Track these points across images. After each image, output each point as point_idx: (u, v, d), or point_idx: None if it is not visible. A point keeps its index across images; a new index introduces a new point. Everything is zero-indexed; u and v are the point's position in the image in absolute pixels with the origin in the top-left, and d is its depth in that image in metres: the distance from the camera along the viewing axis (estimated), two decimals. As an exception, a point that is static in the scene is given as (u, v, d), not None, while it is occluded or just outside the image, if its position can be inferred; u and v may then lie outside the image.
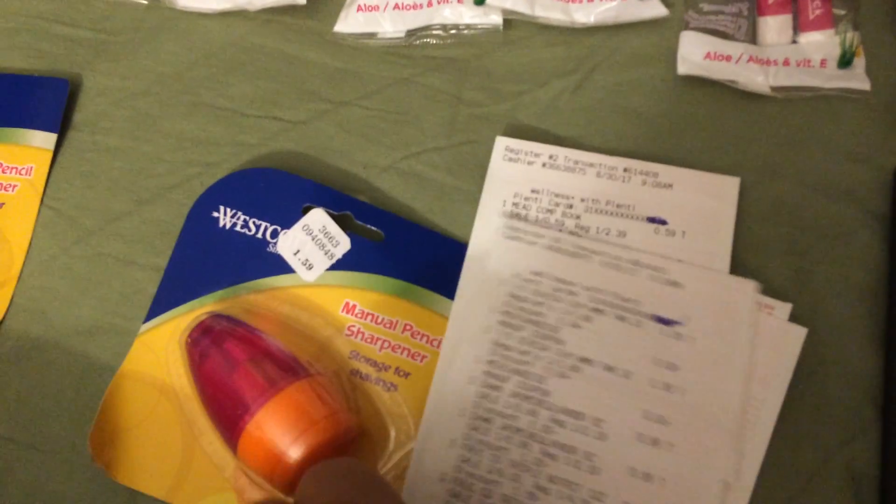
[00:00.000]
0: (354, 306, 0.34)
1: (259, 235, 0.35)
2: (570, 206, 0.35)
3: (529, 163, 0.37)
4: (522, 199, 0.36)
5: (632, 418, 0.31)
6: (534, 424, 0.31)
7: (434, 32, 0.40)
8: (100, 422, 0.33)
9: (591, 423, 0.31)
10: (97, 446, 0.32)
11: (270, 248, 0.35)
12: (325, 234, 0.35)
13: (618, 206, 0.35)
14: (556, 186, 0.36)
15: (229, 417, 0.30)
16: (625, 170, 0.36)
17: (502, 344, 0.33)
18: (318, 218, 0.35)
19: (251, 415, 0.29)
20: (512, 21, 0.40)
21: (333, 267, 0.35)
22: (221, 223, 0.36)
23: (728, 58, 0.37)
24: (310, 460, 0.28)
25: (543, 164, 0.36)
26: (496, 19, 0.39)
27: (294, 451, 0.28)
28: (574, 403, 0.31)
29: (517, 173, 0.36)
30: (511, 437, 0.31)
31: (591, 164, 0.36)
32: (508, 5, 0.39)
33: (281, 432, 0.29)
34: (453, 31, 0.40)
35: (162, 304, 0.35)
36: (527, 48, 0.40)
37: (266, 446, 0.29)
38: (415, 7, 0.40)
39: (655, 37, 0.39)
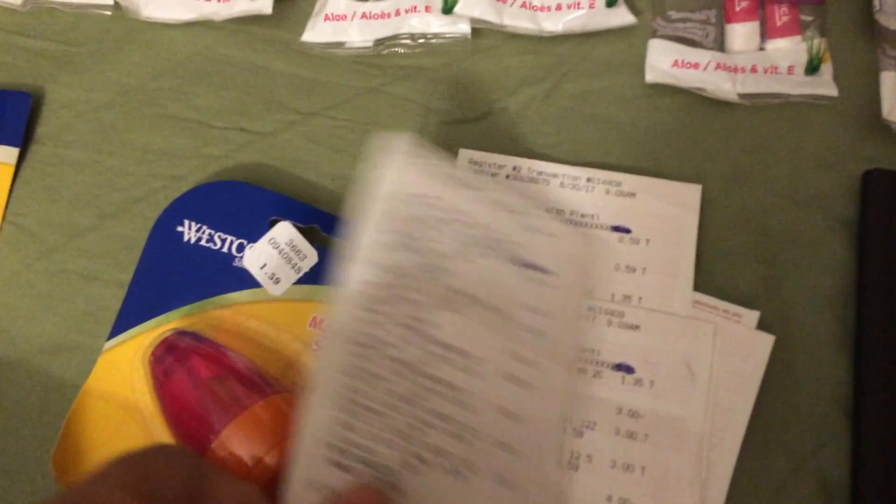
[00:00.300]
0: (322, 321, 0.34)
1: (224, 249, 0.35)
2: (539, 216, 0.35)
3: (493, 174, 0.36)
4: (491, 209, 0.36)
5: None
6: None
7: (402, 42, 0.40)
8: (63, 441, 0.32)
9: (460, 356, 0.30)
10: (60, 466, 0.32)
11: (236, 263, 0.35)
12: (292, 247, 0.34)
13: (582, 215, 0.35)
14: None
15: (194, 437, 0.30)
16: (588, 179, 0.36)
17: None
18: (284, 231, 0.35)
19: (216, 434, 0.29)
20: (481, 30, 0.40)
21: (300, 281, 0.34)
22: (186, 237, 0.35)
23: (696, 65, 0.37)
24: (276, 479, 0.28)
25: (507, 176, 0.36)
26: (465, 28, 0.39)
27: (259, 470, 0.28)
28: (460, 340, 0.30)
29: (485, 183, 0.36)
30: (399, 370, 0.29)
31: (555, 175, 0.36)
32: (476, 14, 0.39)
33: (246, 451, 0.28)
34: (421, 41, 0.40)
35: (126, 320, 0.34)
36: (496, 57, 0.40)
37: (231, 466, 0.28)
38: (382, 16, 0.40)
39: (624, 45, 0.39)
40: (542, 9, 0.39)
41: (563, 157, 0.37)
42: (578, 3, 0.39)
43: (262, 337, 0.34)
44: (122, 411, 0.33)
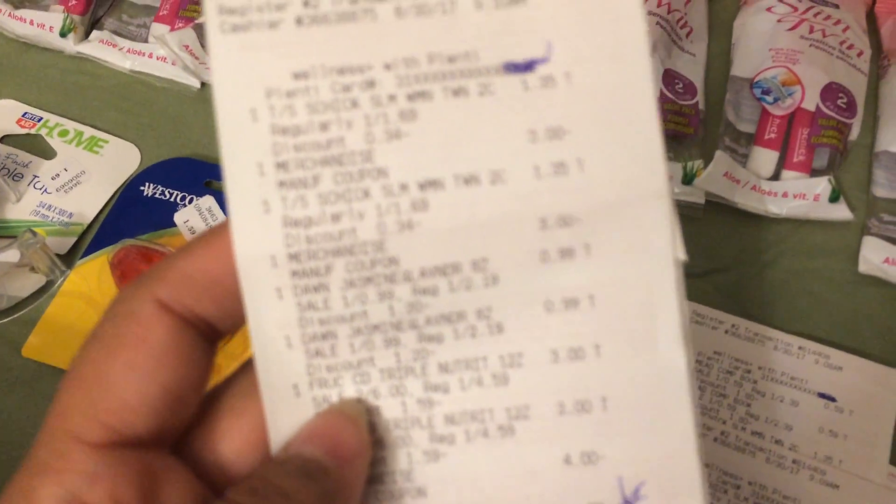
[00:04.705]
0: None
1: (172, 200, 0.48)
2: (749, 371, 0.41)
3: (713, 328, 0.42)
4: (705, 359, 0.41)
5: (527, 231, 0.18)
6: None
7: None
8: (34, 335, 0.43)
9: (472, 270, 0.18)
10: (33, 351, 0.43)
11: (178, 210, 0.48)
12: (210, 211, 0.47)
13: (791, 378, 0.40)
14: (736, 352, 0.41)
15: None
16: (799, 347, 0.41)
17: (293, 219, 0.18)
18: (206, 201, 0.47)
19: None
20: (713, 202, 0.46)
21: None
22: (146, 193, 0.48)
23: (905, 265, 0.43)
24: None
25: (726, 332, 0.42)
26: (700, 199, 0.46)
27: None
28: (438, 256, 0.18)
29: (702, 335, 0.42)
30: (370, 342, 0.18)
31: (770, 338, 0.42)
32: (713, 189, 0.45)
33: None
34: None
35: (96, 245, 0.46)
36: (724, 226, 0.46)
37: None
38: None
39: (838, 234, 0.45)
40: (769, 193, 0.46)
41: (776, 323, 0.42)
42: (804, 195, 0.45)
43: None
44: (87, 304, 0.44)
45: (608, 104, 0.17)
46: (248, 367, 0.18)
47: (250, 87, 0.17)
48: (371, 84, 0.17)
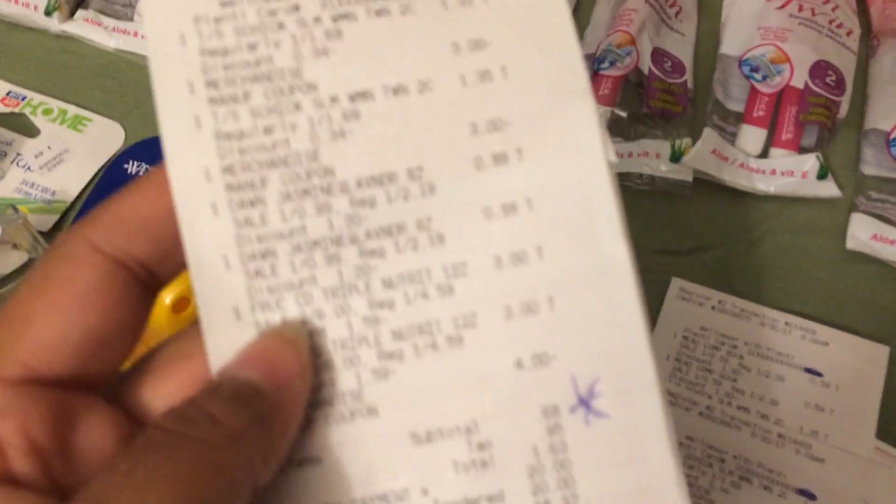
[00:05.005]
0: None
1: None
2: (735, 347, 0.40)
3: (700, 304, 0.42)
4: (692, 335, 0.41)
5: (459, 137, 0.18)
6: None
7: (631, 178, 0.47)
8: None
9: (408, 179, 0.18)
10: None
11: None
12: None
13: (778, 353, 0.40)
14: (723, 328, 0.41)
15: None
16: (786, 323, 0.41)
17: (225, 133, 0.18)
18: None
19: None
20: (700, 179, 0.46)
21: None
22: (129, 171, 0.49)
23: (893, 242, 0.42)
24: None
25: (713, 308, 0.42)
26: (688, 176, 0.46)
27: None
28: (373, 165, 0.18)
29: (688, 312, 0.42)
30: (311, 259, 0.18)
31: (756, 314, 0.41)
32: (700, 166, 0.45)
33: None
34: (648, 179, 0.46)
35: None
36: (711, 203, 0.46)
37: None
38: (617, 155, 0.47)
39: (825, 212, 0.45)
40: (757, 171, 0.45)
41: (763, 300, 0.42)
42: (792, 172, 0.45)
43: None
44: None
45: (525, 15, 0.18)
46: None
47: (179, 14, 0.18)
48: (296, 8, 0.18)
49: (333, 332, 0.18)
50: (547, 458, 0.18)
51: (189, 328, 0.18)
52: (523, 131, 0.18)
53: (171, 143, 0.17)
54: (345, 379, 0.17)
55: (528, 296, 0.18)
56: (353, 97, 0.18)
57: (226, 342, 0.17)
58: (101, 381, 0.17)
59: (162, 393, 0.17)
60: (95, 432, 0.16)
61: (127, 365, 0.18)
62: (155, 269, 0.18)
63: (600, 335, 0.18)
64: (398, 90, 0.18)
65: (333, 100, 0.18)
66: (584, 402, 0.18)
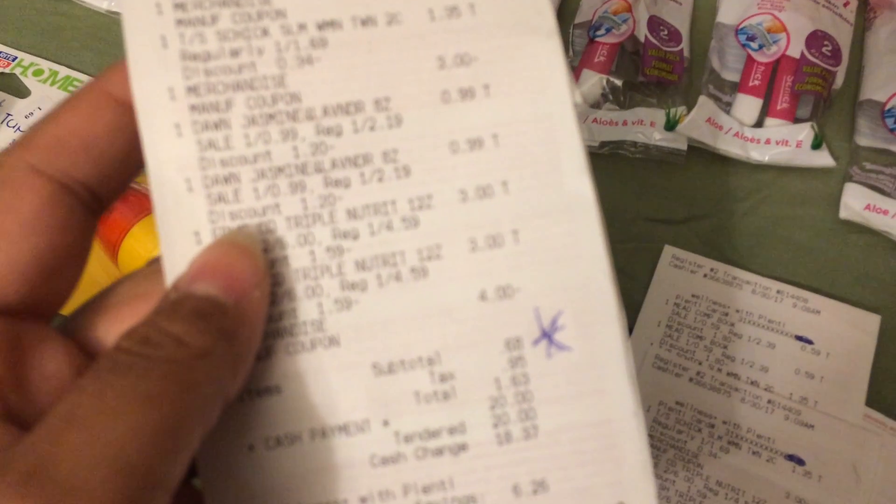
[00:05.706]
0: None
1: None
2: (726, 314, 0.41)
3: (692, 272, 0.42)
4: (683, 302, 0.41)
5: (426, 69, 0.18)
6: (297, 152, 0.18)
7: (625, 147, 0.46)
8: None
9: (374, 109, 0.18)
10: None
11: None
12: None
13: (769, 321, 0.40)
14: (714, 295, 0.41)
15: (110, 241, 0.39)
16: (777, 291, 0.41)
17: (191, 53, 0.18)
18: None
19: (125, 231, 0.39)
20: (694, 148, 0.46)
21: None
22: None
23: (885, 212, 0.42)
24: None
25: (705, 276, 0.42)
26: (682, 145, 0.45)
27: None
28: (339, 93, 0.18)
29: (680, 279, 0.42)
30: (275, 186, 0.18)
31: (748, 282, 0.41)
32: (695, 135, 0.45)
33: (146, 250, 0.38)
34: (642, 148, 0.46)
35: None
36: (704, 172, 0.46)
37: (141, 255, 0.38)
38: (611, 123, 0.47)
39: (819, 182, 0.45)
40: (752, 140, 0.45)
41: (756, 269, 0.42)
42: (787, 142, 0.45)
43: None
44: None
45: None
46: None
47: None
48: None
49: (296, 262, 0.17)
50: (509, 390, 0.18)
51: (145, 267, 0.18)
52: (490, 67, 0.18)
53: (137, 62, 0.17)
54: (306, 308, 0.17)
55: (493, 229, 0.18)
56: (322, 25, 0.18)
57: (185, 267, 0.17)
58: (51, 310, 0.17)
59: (117, 330, 0.17)
60: (50, 363, 0.16)
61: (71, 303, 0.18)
62: (97, 190, 0.17)
63: (564, 269, 0.18)
64: (367, 21, 0.18)
65: (301, 27, 0.18)
66: (547, 335, 0.18)
